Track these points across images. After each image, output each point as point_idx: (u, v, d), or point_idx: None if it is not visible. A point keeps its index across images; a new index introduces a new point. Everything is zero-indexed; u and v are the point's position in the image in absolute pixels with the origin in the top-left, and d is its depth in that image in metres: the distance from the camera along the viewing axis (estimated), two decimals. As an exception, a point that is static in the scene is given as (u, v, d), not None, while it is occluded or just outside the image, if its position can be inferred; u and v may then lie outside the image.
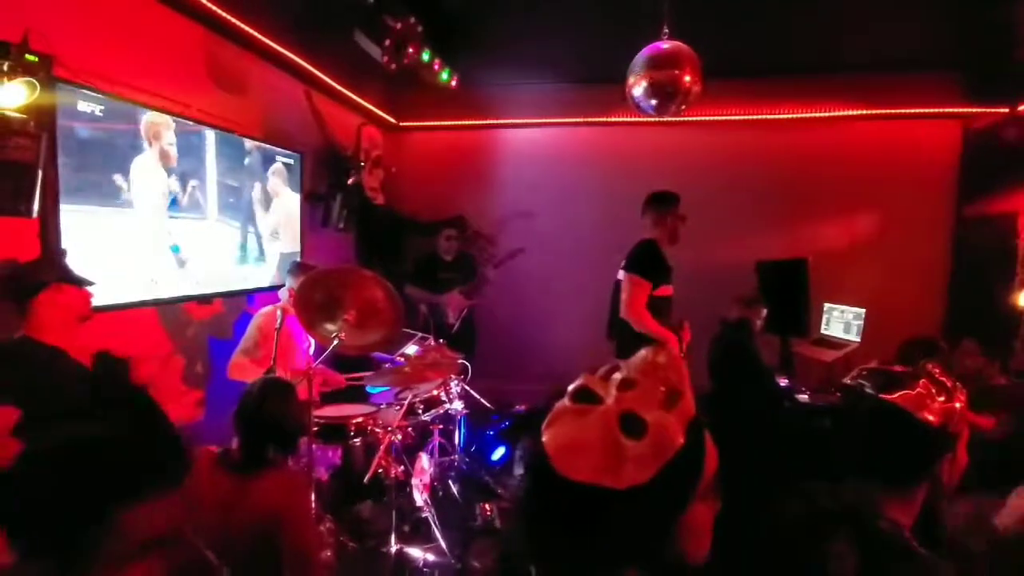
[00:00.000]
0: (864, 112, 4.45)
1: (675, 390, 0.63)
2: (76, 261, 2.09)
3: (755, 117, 4.60)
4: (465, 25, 3.61)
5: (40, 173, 1.97)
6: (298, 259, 3.66)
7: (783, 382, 3.54)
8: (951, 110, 4.35)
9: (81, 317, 1.89)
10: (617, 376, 0.65)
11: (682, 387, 0.64)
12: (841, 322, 4.07)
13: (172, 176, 2.78)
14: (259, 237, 3.50)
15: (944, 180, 4.46)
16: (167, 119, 2.71)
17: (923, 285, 4.48)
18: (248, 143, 3.33)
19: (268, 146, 3.52)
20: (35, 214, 2.00)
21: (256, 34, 3.23)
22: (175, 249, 2.83)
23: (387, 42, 2.93)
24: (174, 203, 2.80)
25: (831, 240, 4.50)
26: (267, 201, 3.54)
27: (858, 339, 3.89)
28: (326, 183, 4.20)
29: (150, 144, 2.63)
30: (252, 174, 3.40)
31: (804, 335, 4.00)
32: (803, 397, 3.41)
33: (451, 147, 5.21)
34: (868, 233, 4.54)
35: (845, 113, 4.48)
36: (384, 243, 4.78)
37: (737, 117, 4.62)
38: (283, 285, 3.10)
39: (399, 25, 2.93)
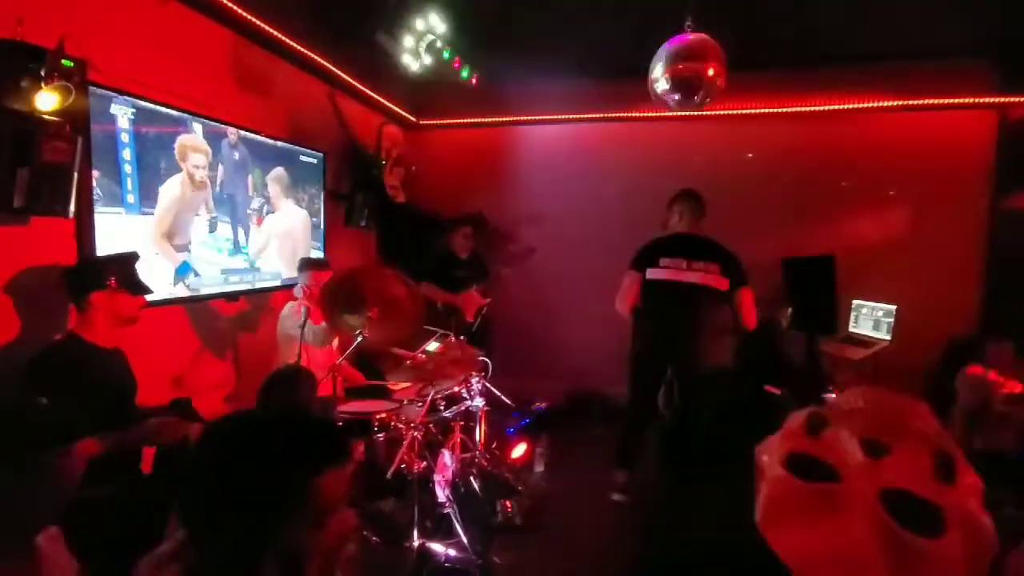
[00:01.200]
0: (894, 103, 4.32)
1: (944, 452, 0.43)
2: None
3: (781, 110, 4.51)
4: (485, 22, 3.62)
5: (76, 175, 2.03)
6: (323, 260, 3.69)
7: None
8: (986, 100, 4.19)
9: (127, 321, 1.97)
10: (846, 435, 0.44)
11: (951, 446, 0.44)
12: (870, 319, 3.98)
13: (202, 197, 2.85)
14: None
15: (978, 173, 4.31)
16: (198, 142, 2.78)
17: (956, 282, 4.33)
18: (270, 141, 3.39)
19: (289, 145, 3.58)
20: (71, 214, 2.06)
21: (282, 36, 3.28)
22: (182, 271, 2.78)
23: (408, 41, 2.95)
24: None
25: (860, 236, 4.39)
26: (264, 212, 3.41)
27: (888, 337, 3.80)
28: (348, 182, 4.26)
29: (182, 163, 2.71)
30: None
31: (832, 333, 3.92)
32: (831, 397, 3.33)
33: (471, 145, 5.22)
34: (898, 228, 4.42)
35: (874, 105, 4.36)
36: (405, 241, 4.82)
37: (762, 110, 4.53)
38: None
39: (420, 24, 2.95)
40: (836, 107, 4.42)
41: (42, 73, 1.88)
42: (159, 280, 2.57)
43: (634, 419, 3.07)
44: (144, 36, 2.55)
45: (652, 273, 2.96)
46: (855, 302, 4.10)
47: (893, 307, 3.84)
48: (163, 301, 2.61)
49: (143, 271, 2.08)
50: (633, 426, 3.07)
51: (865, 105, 4.38)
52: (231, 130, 3.02)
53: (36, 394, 1.72)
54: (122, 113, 2.39)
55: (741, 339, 3.39)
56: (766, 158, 4.55)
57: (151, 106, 2.52)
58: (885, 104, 4.35)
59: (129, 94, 2.41)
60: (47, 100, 1.91)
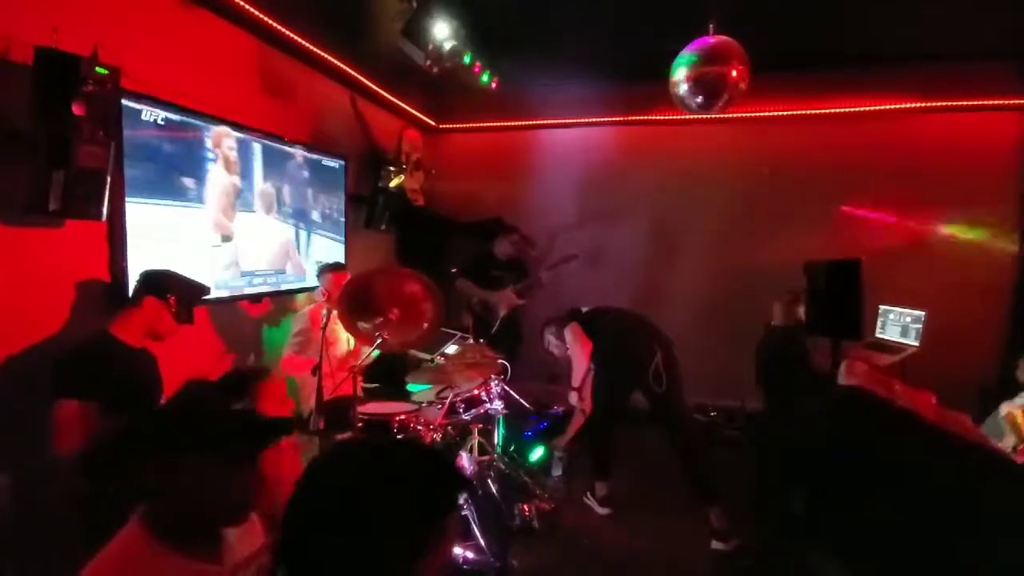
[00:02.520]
0: (920, 105, 4.24)
1: None
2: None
3: (805, 112, 4.46)
4: (505, 26, 3.64)
5: (109, 178, 2.09)
6: (338, 263, 3.72)
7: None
8: (1015, 101, 4.09)
9: (157, 337, 2.03)
10: None
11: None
12: (898, 325, 3.88)
13: (235, 177, 2.94)
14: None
15: (1008, 175, 4.20)
16: (228, 130, 2.86)
17: (987, 286, 4.22)
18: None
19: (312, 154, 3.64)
20: (104, 217, 2.12)
21: (305, 43, 3.35)
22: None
23: (430, 47, 2.98)
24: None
25: (886, 240, 4.30)
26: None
27: (916, 343, 3.70)
28: (369, 186, 4.31)
29: (215, 153, 2.79)
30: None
31: (857, 338, 3.83)
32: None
33: (491, 149, 5.25)
34: (926, 232, 4.33)
35: (900, 106, 4.28)
36: (425, 244, 4.86)
37: (786, 112, 4.48)
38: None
39: (441, 29, 2.98)
40: (861, 109, 4.35)
41: (78, 80, 1.95)
42: (215, 274, 2.74)
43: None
44: (172, 43, 2.62)
45: None
46: (882, 307, 4.01)
47: (922, 313, 3.75)
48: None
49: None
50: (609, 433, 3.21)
51: (890, 107, 4.31)
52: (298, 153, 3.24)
53: (64, 389, 1.77)
54: (152, 118, 2.46)
55: (765, 344, 3.35)
56: (790, 161, 4.49)
57: (178, 114, 2.59)
58: (911, 106, 4.27)
59: (160, 100, 2.48)
60: (83, 106, 1.97)
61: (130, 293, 2.12)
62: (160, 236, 2.52)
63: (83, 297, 2.24)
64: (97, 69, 2.03)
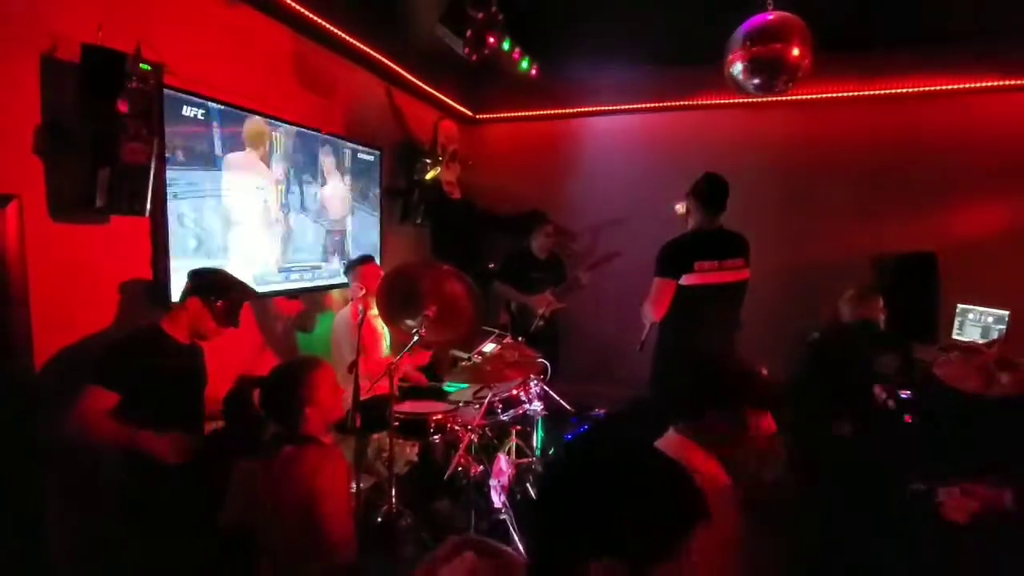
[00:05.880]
0: (1001, 83, 3.97)
1: None
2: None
3: (872, 93, 4.24)
4: (546, 10, 3.61)
5: (152, 175, 2.20)
6: (366, 254, 3.76)
7: (904, 394, 3.25)
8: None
9: (200, 337, 2.14)
10: None
11: None
12: (978, 326, 3.68)
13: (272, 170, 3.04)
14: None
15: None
16: (264, 123, 2.95)
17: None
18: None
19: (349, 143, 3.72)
20: (147, 212, 2.23)
21: (341, 33, 3.41)
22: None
23: (468, 33, 2.99)
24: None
25: (964, 231, 4.07)
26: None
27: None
28: (404, 179, 4.37)
29: (254, 147, 2.89)
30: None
31: (931, 341, 3.65)
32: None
33: (530, 139, 5.24)
34: (1010, 222, 4.06)
35: (979, 85, 4.02)
36: (461, 238, 4.90)
37: (851, 94, 4.28)
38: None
39: (480, 15, 2.98)
40: (936, 88, 4.11)
41: (123, 77, 2.05)
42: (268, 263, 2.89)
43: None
44: (212, 37, 2.72)
45: (688, 279, 2.81)
46: (960, 306, 3.80)
47: (1006, 312, 3.53)
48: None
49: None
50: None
51: (968, 86, 4.05)
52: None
53: (106, 376, 1.88)
54: (193, 113, 2.56)
55: (820, 344, 3.23)
56: (855, 146, 4.30)
57: (217, 108, 2.69)
58: (991, 84, 4.00)
59: (201, 96, 2.58)
60: (128, 103, 2.07)
61: (175, 290, 2.22)
62: (199, 230, 2.62)
63: (127, 293, 2.36)
64: (141, 65, 2.12)
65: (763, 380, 1.45)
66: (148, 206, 2.21)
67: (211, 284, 2.15)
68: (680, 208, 2.97)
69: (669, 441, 1.45)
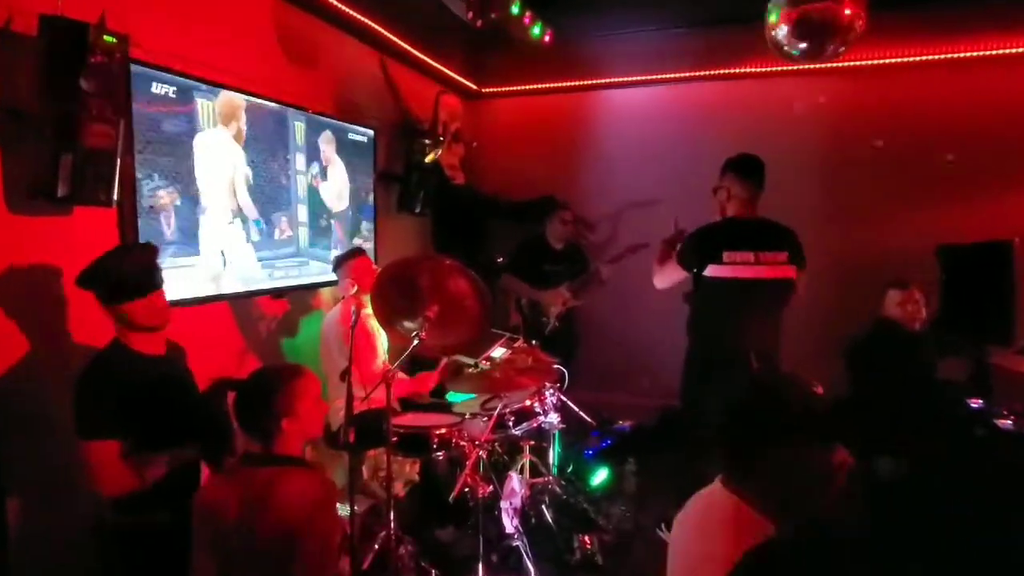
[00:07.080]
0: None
1: None
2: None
3: (936, 57, 4.19)
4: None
5: (118, 160, 2.21)
6: (356, 247, 3.76)
7: (975, 403, 3.22)
8: None
9: (152, 328, 2.06)
10: None
11: None
12: (1060, 325, 3.62)
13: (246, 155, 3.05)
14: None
15: None
16: (241, 99, 2.96)
17: None
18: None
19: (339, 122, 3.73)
20: (114, 203, 2.25)
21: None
22: (257, 223, 3.15)
23: (472, -5, 2.99)
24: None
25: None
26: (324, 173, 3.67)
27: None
28: (401, 162, 4.38)
29: (226, 124, 2.90)
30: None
31: (1006, 343, 3.60)
32: (1005, 423, 3.08)
33: (542, 115, 5.23)
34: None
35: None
36: (465, 227, 4.91)
37: (912, 59, 4.23)
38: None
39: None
40: (1004, 52, 4.05)
41: (86, 50, 2.06)
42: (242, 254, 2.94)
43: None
44: (182, 4, 2.73)
45: (715, 271, 2.80)
46: (1038, 302, 3.74)
47: (1093, 309, 3.47)
48: (208, 298, 2.82)
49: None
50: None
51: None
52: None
53: (96, 429, 1.88)
54: (164, 91, 2.58)
55: (873, 344, 3.20)
56: (916, 119, 4.25)
57: (193, 82, 2.71)
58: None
59: (171, 71, 2.59)
60: (90, 80, 2.08)
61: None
62: (170, 221, 2.64)
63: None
64: (105, 37, 2.13)
65: (825, 402, 1.29)
66: (115, 195, 2.22)
67: (99, 285, 1.96)
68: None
69: (717, 507, 1.29)
